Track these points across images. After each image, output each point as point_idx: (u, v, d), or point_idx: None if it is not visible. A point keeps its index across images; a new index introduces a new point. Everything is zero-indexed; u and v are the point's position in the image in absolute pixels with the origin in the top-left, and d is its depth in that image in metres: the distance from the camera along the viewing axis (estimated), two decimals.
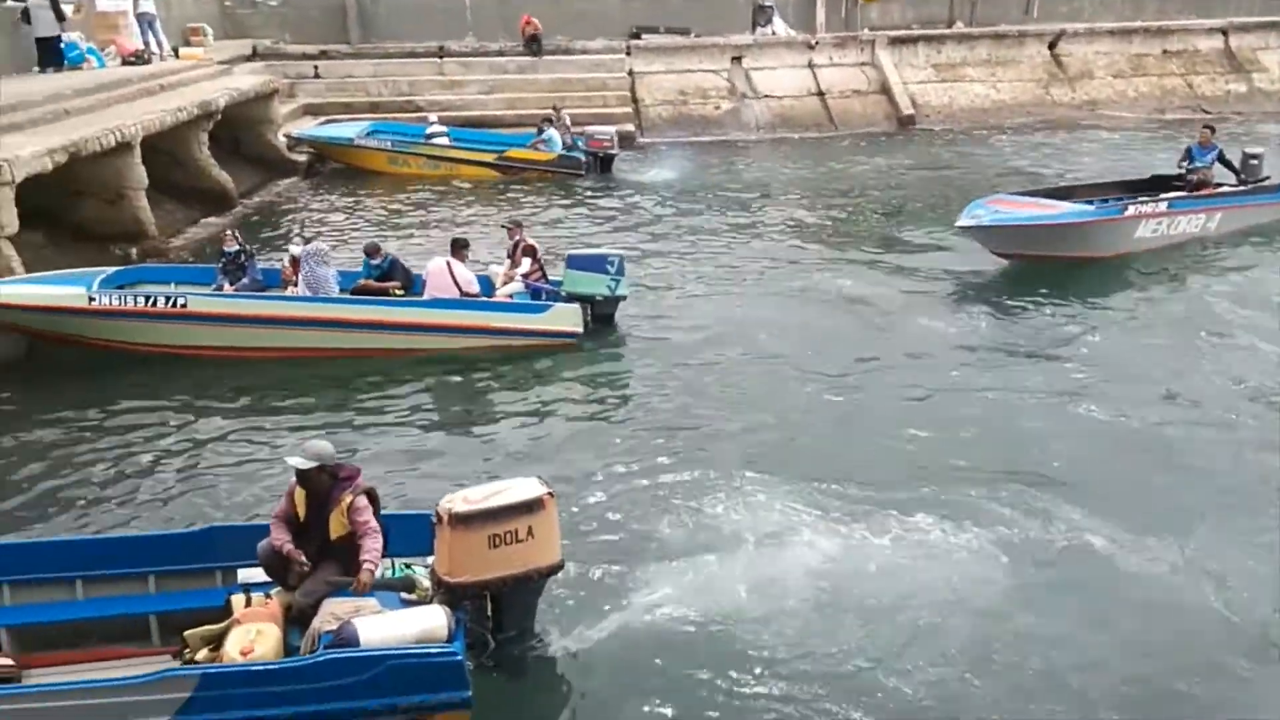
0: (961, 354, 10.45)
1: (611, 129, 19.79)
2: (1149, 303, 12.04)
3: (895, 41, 25.52)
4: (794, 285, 12.73)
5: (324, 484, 5.60)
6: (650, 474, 7.95)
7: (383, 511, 5.72)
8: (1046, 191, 14.53)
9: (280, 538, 5.54)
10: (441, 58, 23.56)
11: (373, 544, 5.49)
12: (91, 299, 10.13)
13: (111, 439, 8.75)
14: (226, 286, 10.87)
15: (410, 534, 5.77)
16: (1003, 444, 8.42)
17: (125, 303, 10.17)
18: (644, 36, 25.03)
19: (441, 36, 24.03)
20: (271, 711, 4.85)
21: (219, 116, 16.55)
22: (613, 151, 19.32)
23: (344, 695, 4.88)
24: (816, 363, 10.18)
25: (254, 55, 22.78)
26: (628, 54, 24.16)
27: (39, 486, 7.95)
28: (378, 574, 5.49)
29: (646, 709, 5.52)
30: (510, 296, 11.08)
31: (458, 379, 9.99)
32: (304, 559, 5.49)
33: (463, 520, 5.37)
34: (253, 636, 5.13)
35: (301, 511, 5.64)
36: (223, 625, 5.34)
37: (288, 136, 19.68)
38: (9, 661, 5.35)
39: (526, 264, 11.30)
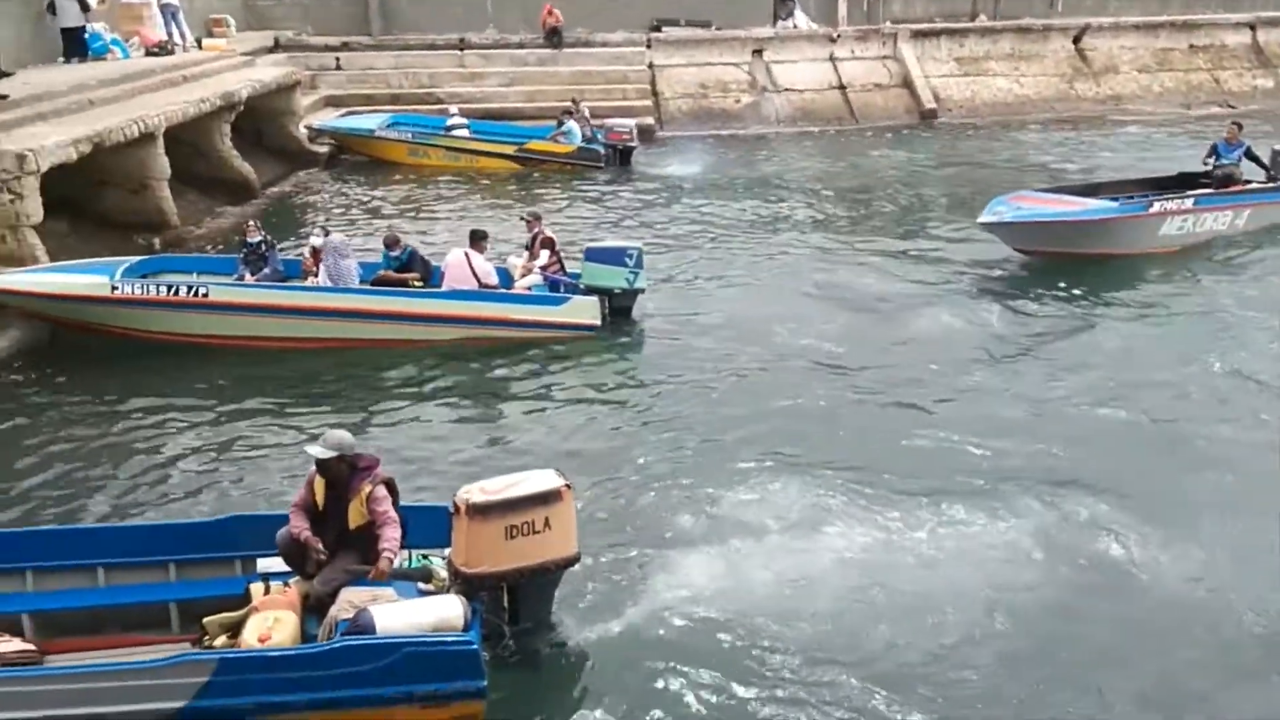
0: (983, 350, 10.37)
1: (631, 121, 19.77)
2: (1174, 301, 11.89)
3: (918, 34, 25.33)
4: (814, 280, 12.67)
5: (343, 473, 5.63)
6: (668, 467, 7.94)
7: (401, 503, 5.74)
8: (1070, 188, 14.40)
9: (299, 526, 5.58)
10: (462, 50, 23.58)
11: (391, 533, 5.52)
12: (114, 288, 10.22)
13: (133, 427, 8.82)
14: (248, 276, 10.94)
15: (428, 526, 5.79)
16: (1027, 441, 8.33)
17: (147, 292, 10.25)
18: (664, 29, 24.96)
19: (462, 29, 24.05)
20: (288, 697, 4.89)
21: (241, 108, 16.62)
22: (632, 144, 19.28)
23: (360, 682, 4.91)
24: (836, 357, 10.14)
25: (276, 47, 22.88)
26: (648, 47, 24.09)
27: (61, 474, 8.03)
28: (395, 563, 5.52)
29: (663, 705, 5.50)
30: (528, 288, 11.08)
31: (476, 370, 10.01)
32: (321, 546, 5.52)
33: (480, 511, 5.39)
34: (271, 624, 5.18)
35: (320, 500, 5.68)
36: (241, 613, 5.39)
37: (309, 128, 19.77)
38: (31, 647, 5.41)
39: (545, 256, 11.31)
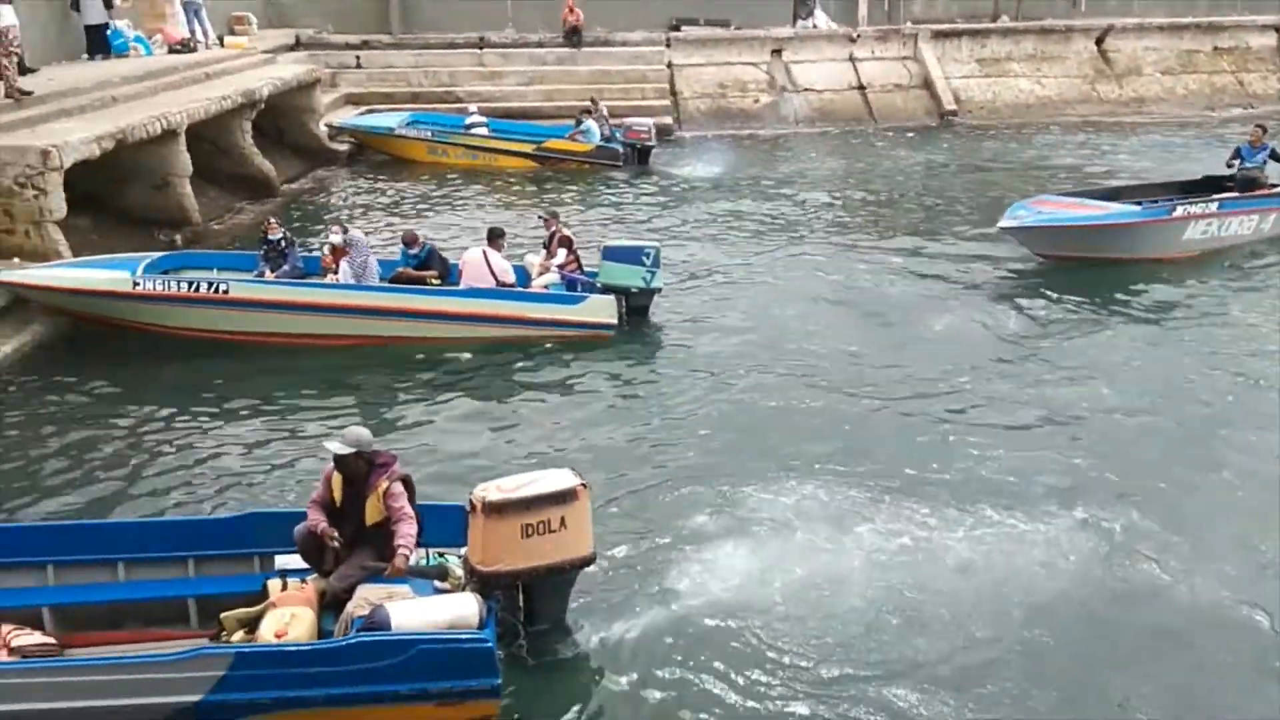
0: (1004, 355, 10.29)
1: (649, 120, 19.75)
2: (1199, 306, 11.77)
3: (938, 35, 25.19)
4: (832, 281, 12.63)
5: (361, 470, 5.66)
6: (685, 467, 7.93)
7: (417, 502, 5.75)
8: (1092, 192, 14.29)
9: (315, 518, 5.61)
10: (482, 49, 23.64)
11: (407, 529, 5.54)
12: (136, 284, 10.31)
13: (152, 423, 8.89)
14: (268, 273, 11.00)
15: (444, 524, 5.81)
16: (1054, 446, 8.25)
17: (169, 288, 10.33)
18: (684, 29, 24.93)
19: (482, 28, 24.11)
20: (303, 692, 4.92)
21: (262, 105, 16.72)
22: (650, 143, 19.28)
23: (375, 678, 4.93)
24: (855, 359, 10.10)
25: (297, 45, 23.01)
26: (667, 46, 24.07)
27: (82, 469, 8.09)
28: (412, 561, 5.54)
29: (680, 709, 5.46)
30: (546, 287, 11.09)
31: (492, 369, 10.03)
32: (336, 535, 5.55)
33: (496, 509, 5.40)
34: (287, 620, 5.21)
35: (338, 497, 5.71)
36: (258, 608, 5.42)
37: (329, 126, 19.87)
38: (51, 640, 5.47)
39: (562, 255, 11.32)
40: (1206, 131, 22.87)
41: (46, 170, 11.05)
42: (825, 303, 11.85)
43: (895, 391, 9.36)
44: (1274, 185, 14.08)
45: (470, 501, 5.51)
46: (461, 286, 10.78)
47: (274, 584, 5.60)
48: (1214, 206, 13.34)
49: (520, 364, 10.11)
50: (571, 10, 23.52)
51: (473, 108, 20.43)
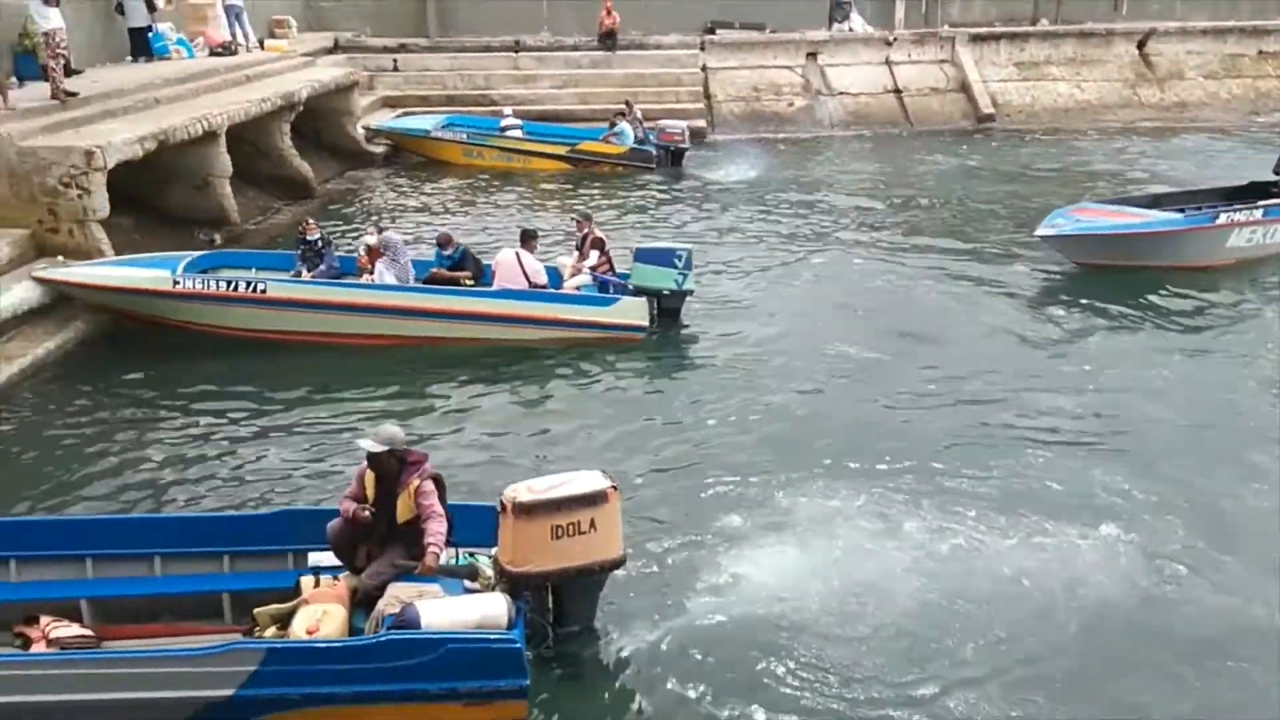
0: (1041, 363, 10.17)
1: (683, 123, 19.75)
2: (1244, 315, 11.57)
3: (976, 39, 24.95)
4: (865, 286, 12.53)
5: (393, 468, 5.71)
6: (718, 470, 7.90)
7: (448, 501, 5.78)
8: (1132, 199, 14.08)
9: (347, 506, 5.67)
10: (517, 52, 23.77)
11: (437, 527, 5.58)
12: (176, 282, 10.47)
13: (191, 419, 9.02)
14: (304, 273, 11.12)
15: (475, 524, 5.84)
16: (1098, 456, 8.13)
17: (208, 287, 10.48)
18: (719, 32, 24.90)
19: (517, 31, 24.24)
20: (333, 689, 4.96)
21: (301, 107, 16.92)
22: (684, 145, 19.27)
23: (404, 676, 4.96)
24: (889, 365, 10.02)
25: (335, 48, 23.25)
26: (702, 49, 24.05)
27: (121, 463, 8.23)
28: (442, 560, 5.57)
29: (709, 717, 5.42)
30: (578, 288, 11.12)
31: (524, 369, 10.07)
32: (368, 513, 5.60)
33: (526, 510, 5.41)
34: (319, 616, 5.26)
35: (370, 494, 5.76)
36: (291, 605, 5.48)
37: (366, 128, 20.06)
38: (89, 632, 5.57)
39: (594, 256, 11.33)
40: (1250, 137, 22.44)
41: (91, 170, 11.26)
42: (859, 307, 11.77)
43: (931, 398, 9.27)
44: None
45: (501, 502, 5.53)
46: (494, 288, 10.83)
47: (307, 581, 5.66)
48: (1259, 213, 13.07)
49: (552, 365, 10.14)
50: (609, 12, 23.57)
51: (507, 110, 20.54)
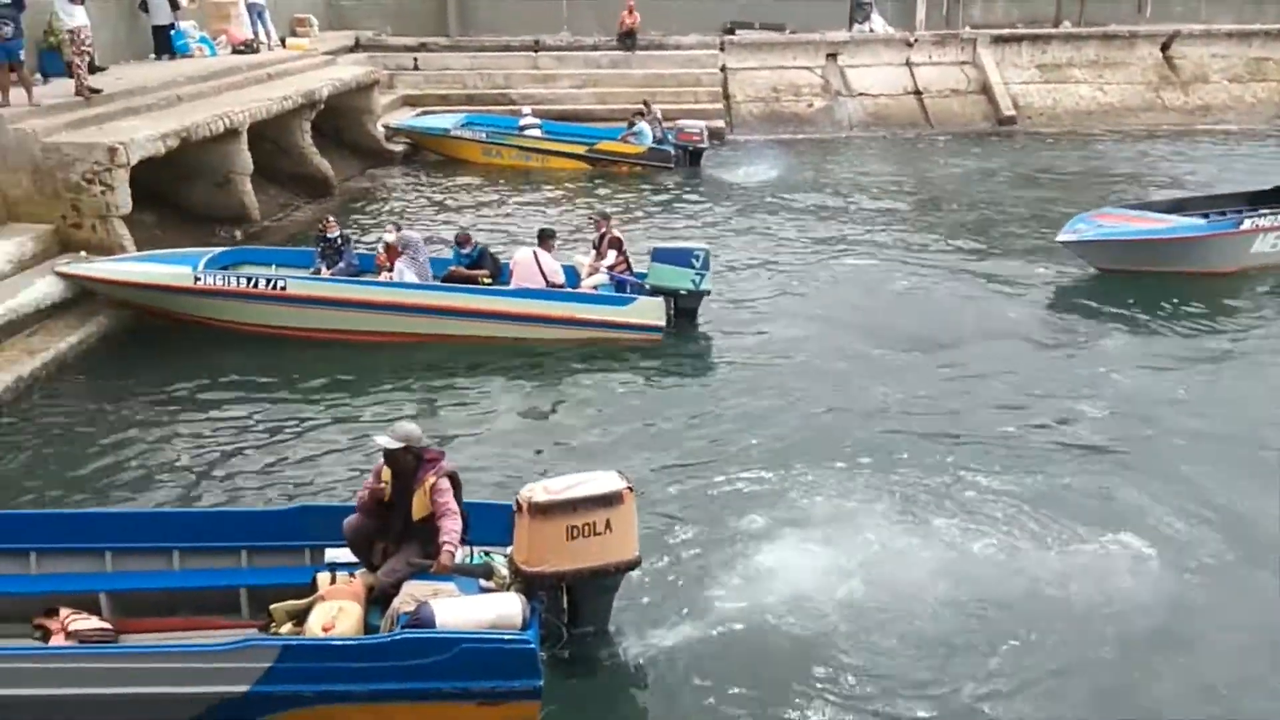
0: (1062, 368, 10.09)
1: (701, 123, 19.74)
2: (1266, 321, 11.47)
3: (998, 40, 24.81)
4: (884, 289, 12.48)
5: (409, 464, 5.72)
6: (734, 471, 7.87)
7: (464, 499, 5.79)
8: (1155, 204, 13.97)
9: (363, 497, 5.71)
10: (536, 52, 23.81)
11: (451, 525, 5.58)
12: (197, 279, 10.54)
13: (210, 414, 9.08)
14: (324, 270, 11.18)
15: (490, 522, 5.84)
16: (1113, 465, 8.06)
17: (228, 283, 10.54)
18: (738, 32, 24.86)
19: (537, 30, 24.29)
20: (347, 686, 4.97)
21: (322, 106, 16.99)
22: (702, 145, 19.26)
23: (418, 675, 4.96)
24: (908, 368, 9.97)
25: (357, 46, 23.36)
26: (721, 50, 24.02)
27: (142, 457, 8.29)
28: (458, 558, 5.58)
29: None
30: (595, 288, 11.13)
31: (541, 368, 10.08)
32: (383, 485, 5.66)
33: (542, 510, 5.41)
34: (335, 613, 5.27)
35: (387, 491, 5.77)
36: (307, 601, 5.50)
37: (386, 127, 20.14)
38: (107, 625, 5.60)
39: (612, 256, 11.34)
40: (1276, 141, 22.21)
41: (114, 166, 11.35)
42: (877, 309, 11.72)
43: (949, 402, 9.22)
44: None
45: (517, 501, 5.54)
46: (512, 286, 10.85)
47: (323, 577, 5.68)
48: None
49: (568, 364, 10.14)
50: (631, 12, 23.58)
51: (527, 109, 20.57)
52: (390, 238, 11.36)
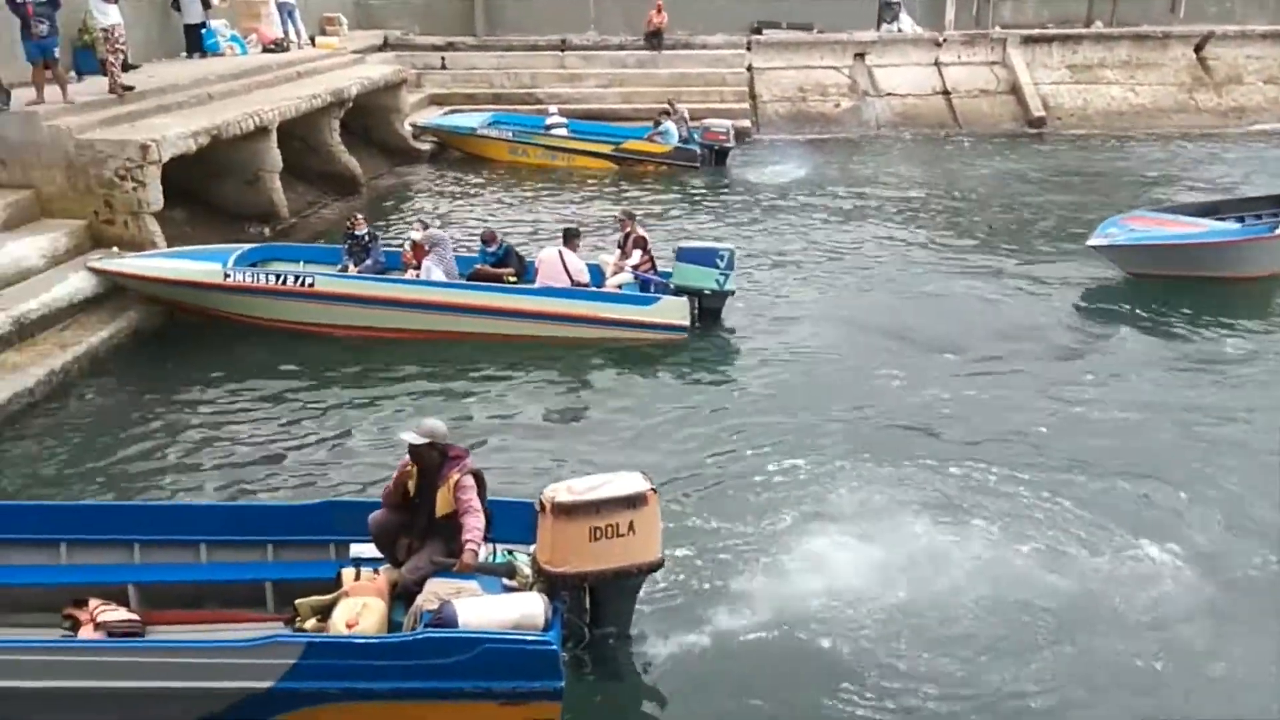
0: (1094, 373, 9.95)
1: (728, 122, 19.69)
2: None
3: (1028, 41, 24.56)
4: (911, 291, 12.37)
5: (434, 461, 5.74)
6: (759, 473, 7.83)
7: (488, 498, 5.80)
8: (1187, 207, 13.77)
9: (388, 491, 5.75)
10: (563, 51, 23.86)
11: (474, 522, 5.58)
12: (226, 275, 10.64)
13: (239, 409, 9.16)
14: (351, 267, 11.25)
15: (514, 521, 5.85)
16: (1144, 473, 7.92)
17: (257, 280, 10.64)
18: (765, 32, 24.79)
19: (564, 30, 24.34)
20: (370, 684, 4.99)
21: (350, 104, 17.11)
22: (728, 144, 19.22)
23: (440, 674, 4.97)
24: (935, 372, 9.87)
25: (385, 45, 23.51)
26: (748, 49, 23.96)
27: (170, 450, 8.38)
28: (481, 556, 5.59)
29: None
30: (619, 287, 11.13)
31: (565, 367, 10.09)
32: (409, 467, 5.71)
33: (565, 511, 5.41)
34: (359, 610, 5.29)
35: (412, 487, 5.80)
36: (332, 596, 5.53)
37: (413, 125, 20.25)
38: (135, 616, 5.66)
39: (637, 255, 11.33)
40: None
41: (146, 163, 11.47)
42: (904, 311, 11.62)
43: (981, 405, 9.12)
44: None
45: (540, 501, 5.54)
46: (537, 285, 10.88)
47: (348, 573, 5.71)
48: None
49: (592, 363, 10.15)
50: (660, 11, 23.56)
51: (553, 109, 20.61)
52: (417, 235, 11.42)
